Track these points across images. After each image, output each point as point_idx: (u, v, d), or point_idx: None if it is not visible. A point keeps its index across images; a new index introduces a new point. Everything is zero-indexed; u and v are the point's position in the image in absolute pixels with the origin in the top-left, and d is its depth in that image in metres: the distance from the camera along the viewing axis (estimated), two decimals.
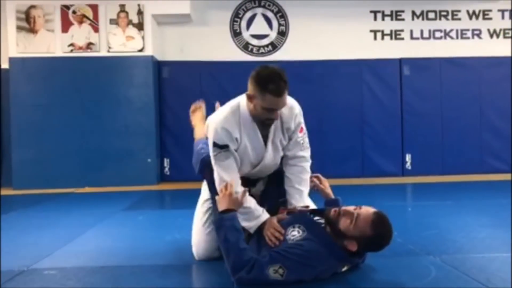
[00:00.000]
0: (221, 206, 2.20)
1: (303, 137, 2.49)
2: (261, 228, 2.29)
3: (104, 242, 3.07)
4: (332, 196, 2.61)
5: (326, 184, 2.63)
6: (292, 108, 2.42)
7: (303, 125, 2.49)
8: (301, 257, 2.02)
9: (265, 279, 1.99)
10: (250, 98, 2.26)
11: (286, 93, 2.22)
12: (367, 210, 2.10)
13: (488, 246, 2.76)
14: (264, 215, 2.33)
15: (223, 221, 2.14)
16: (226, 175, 2.30)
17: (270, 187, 2.61)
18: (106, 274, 2.34)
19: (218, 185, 2.33)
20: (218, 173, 2.33)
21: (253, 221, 2.31)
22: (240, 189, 2.29)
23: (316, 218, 2.27)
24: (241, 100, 2.37)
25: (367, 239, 2.06)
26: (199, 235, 2.57)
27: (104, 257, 2.67)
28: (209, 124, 2.40)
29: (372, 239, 2.06)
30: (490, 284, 2.02)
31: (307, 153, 2.52)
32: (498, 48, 7.07)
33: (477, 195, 5.07)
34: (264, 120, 2.29)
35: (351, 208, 2.12)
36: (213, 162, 2.34)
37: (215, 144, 2.30)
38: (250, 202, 2.33)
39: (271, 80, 2.15)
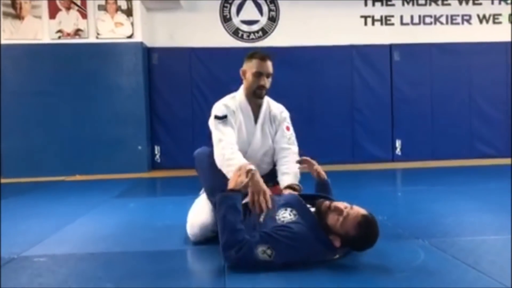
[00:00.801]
0: (230, 184, 2.24)
1: (289, 134, 2.82)
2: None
3: (95, 229, 3.07)
4: (325, 177, 2.68)
5: (316, 168, 2.68)
6: (280, 106, 2.88)
7: (289, 124, 2.85)
8: (289, 239, 2.05)
9: (253, 259, 2.03)
10: (243, 73, 2.72)
11: (270, 63, 2.67)
12: (357, 211, 2.10)
13: (476, 230, 2.80)
14: (251, 165, 2.36)
15: (226, 198, 2.17)
16: (225, 136, 2.55)
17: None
18: (96, 260, 2.34)
19: (217, 145, 2.54)
20: (217, 136, 2.57)
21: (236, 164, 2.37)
22: (236, 149, 2.52)
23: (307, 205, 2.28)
24: (238, 91, 2.77)
25: (351, 238, 2.08)
26: (201, 207, 2.60)
27: (95, 244, 2.66)
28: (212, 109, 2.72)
29: (356, 239, 2.09)
30: (478, 267, 2.04)
31: (294, 147, 2.81)
32: (487, 33, 7.09)
33: (466, 180, 5.12)
34: (255, 89, 2.66)
35: (342, 205, 2.13)
36: (213, 131, 2.61)
37: (216, 117, 2.64)
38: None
39: (257, 52, 2.69)
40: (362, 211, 2.11)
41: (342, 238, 2.10)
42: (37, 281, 2.02)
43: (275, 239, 2.04)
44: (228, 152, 2.48)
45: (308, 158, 2.69)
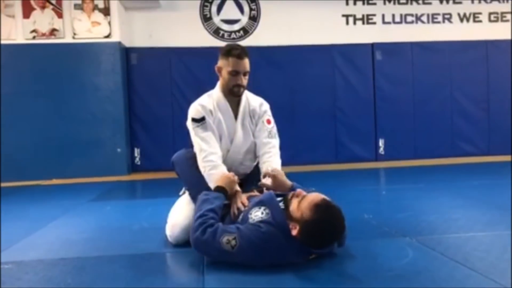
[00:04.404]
0: (218, 182, 2.33)
1: (270, 128, 2.69)
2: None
3: (67, 233, 2.91)
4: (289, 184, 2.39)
5: (279, 179, 2.39)
6: (259, 99, 2.74)
7: (270, 117, 2.72)
8: (257, 238, 1.96)
9: (216, 246, 1.99)
10: (219, 70, 2.58)
11: (247, 60, 2.53)
12: (317, 195, 2.01)
13: (463, 226, 2.73)
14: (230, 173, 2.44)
15: (209, 194, 2.26)
16: (206, 145, 2.49)
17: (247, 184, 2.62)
18: (66, 266, 2.20)
19: (198, 156, 2.49)
20: (198, 144, 2.51)
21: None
22: (219, 160, 2.49)
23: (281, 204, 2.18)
24: (215, 88, 2.66)
25: (308, 223, 1.92)
26: (183, 209, 2.52)
27: (65, 249, 2.52)
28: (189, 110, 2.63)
29: (313, 224, 1.92)
30: (467, 263, 1.97)
31: (275, 140, 2.69)
32: (468, 32, 7.11)
33: (449, 178, 5.10)
34: (232, 87, 2.54)
35: (304, 191, 2.09)
36: (193, 137, 2.54)
37: (193, 120, 2.55)
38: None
39: (233, 48, 2.54)
40: (322, 196, 2.01)
41: (300, 225, 1.95)
42: None
43: (243, 233, 1.99)
44: (208, 167, 2.44)
45: (271, 173, 2.40)
